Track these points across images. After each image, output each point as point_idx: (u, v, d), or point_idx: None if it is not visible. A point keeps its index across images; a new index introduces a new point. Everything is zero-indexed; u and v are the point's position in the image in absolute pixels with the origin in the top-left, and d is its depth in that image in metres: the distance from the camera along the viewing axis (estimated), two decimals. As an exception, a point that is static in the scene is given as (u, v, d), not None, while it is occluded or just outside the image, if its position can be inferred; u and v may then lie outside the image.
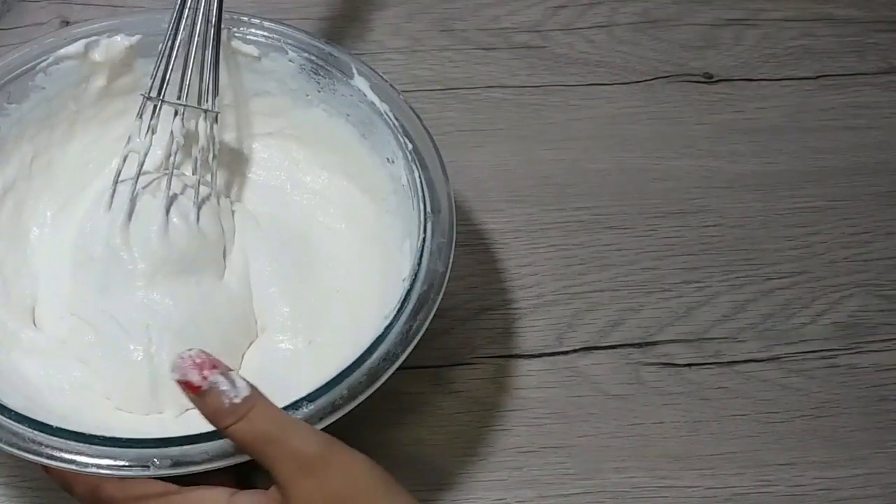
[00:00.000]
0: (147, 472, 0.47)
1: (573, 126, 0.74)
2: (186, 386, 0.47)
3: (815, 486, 0.59)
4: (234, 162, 0.67)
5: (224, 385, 0.47)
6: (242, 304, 0.61)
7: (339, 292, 0.61)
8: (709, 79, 0.77)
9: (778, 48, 0.79)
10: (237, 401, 0.47)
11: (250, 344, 0.60)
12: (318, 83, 0.63)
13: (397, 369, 0.63)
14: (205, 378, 0.47)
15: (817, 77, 0.77)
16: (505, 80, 0.76)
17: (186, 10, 0.61)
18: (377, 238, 0.61)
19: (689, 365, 0.61)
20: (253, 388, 0.47)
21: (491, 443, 0.60)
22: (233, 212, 0.64)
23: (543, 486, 0.59)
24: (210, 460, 0.48)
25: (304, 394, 0.50)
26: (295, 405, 0.49)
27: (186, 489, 0.48)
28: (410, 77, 0.76)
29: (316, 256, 0.63)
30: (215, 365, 0.47)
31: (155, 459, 0.48)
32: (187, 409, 0.56)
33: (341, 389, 0.50)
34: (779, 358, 0.64)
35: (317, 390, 0.50)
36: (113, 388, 0.57)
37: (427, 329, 0.55)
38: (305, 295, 0.61)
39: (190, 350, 0.48)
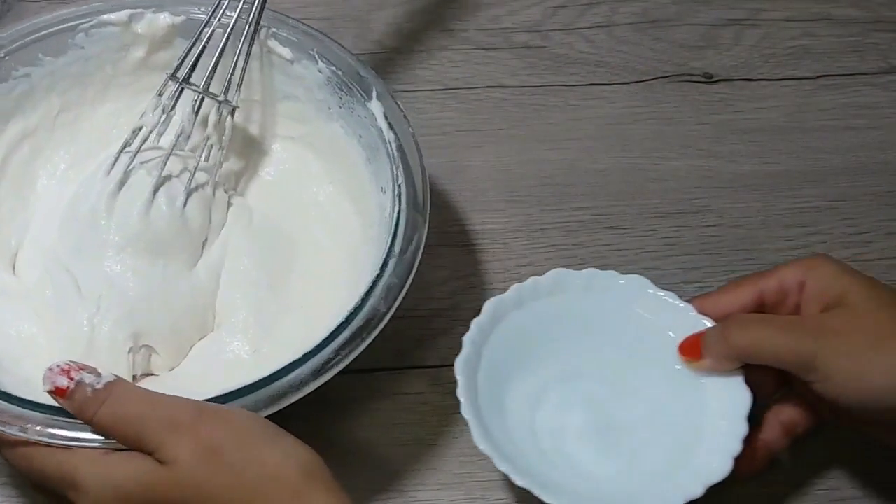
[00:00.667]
0: (15, 432, 0.48)
1: (573, 126, 0.74)
2: (57, 392, 0.47)
3: (814, 487, 0.59)
4: (252, 157, 0.67)
5: (88, 378, 0.47)
6: (204, 296, 0.61)
7: (302, 308, 0.61)
8: (709, 79, 0.77)
9: (778, 48, 0.79)
10: (99, 386, 0.47)
11: (202, 338, 0.61)
12: (340, 99, 0.63)
13: (394, 371, 0.63)
14: (72, 379, 0.47)
15: (817, 77, 0.77)
16: (505, 80, 0.76)
17: (228, 0, 0.62)
18: (354, 264, 0.61)
19: (689, 365, 0.61)
20: (117, 377, 0.47)
21: (491, 443, 0.60)
22: (230, 205, 0.64)
23: (543, 486, 0.59)
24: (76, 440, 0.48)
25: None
26: None
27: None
28: (410, 77, 0.76)
29: (294, 267, 0.63)
30: (83, 368, 0.48)
31: (31, 425, 0.48)
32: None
33: (238, 405, 0.50)
34: (779, 358, 0.64)
35: (212, 399, 0.50)
36: (54, 345, 0.58)
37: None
38: (269, 303, 0.61)
39: (58, 363, 0.48)
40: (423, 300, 0.64)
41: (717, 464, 0.53)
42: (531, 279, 0.58)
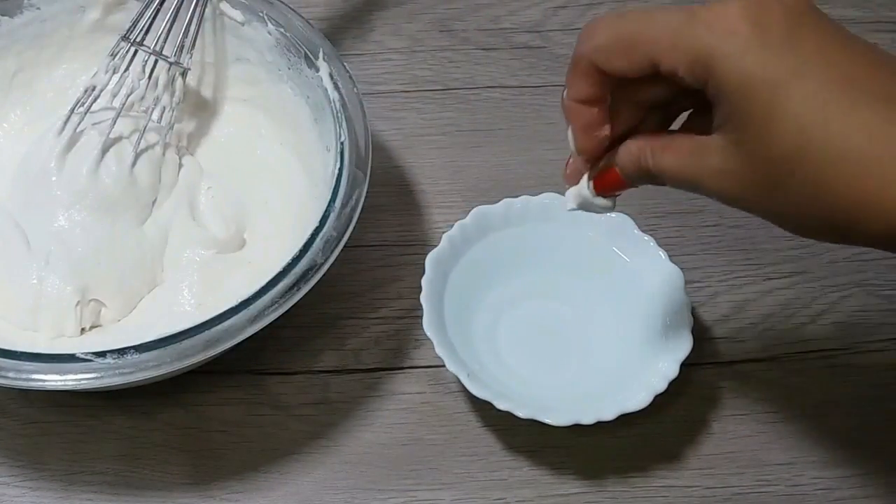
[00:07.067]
0: None
1: (573, 126, 0.74)
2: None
3: (814, 486, 0.59)
4: (203, 118, 0.69)
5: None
6: (151, 253, 0.62)
7: (249, 264, 0.63)
8: (709, 79, 0.77)
9: (778, 48, 0.79)
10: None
11: (150, 292, 0.62)
12: (289, 60, 0.65)
13: (394, 371, 0.63)
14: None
15: (817, 77, 0.77)
16: (505, 81, 0.76)
17: None
18: (301, 221, 0.61)
19: (689, 365, 0.61)
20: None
21: (491, 443, 0.60)
22: (181, 166, 0.66)
23: (543, 486, 0.59)
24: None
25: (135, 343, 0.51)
26: (121, 351, 0.51)
27: None
28: (410, 77, 0.76)
29: (243, 227, 0.65)
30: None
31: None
32: (61, 336, 0.59)
33: (170, 351, 0.51)
34: (779, 358, 0.64)
35: (145, 343, 0.51)
36: (2, 298, 0.59)
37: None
38: (216, 259, 0.63)
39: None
40: (423, 300, 0.64)
41: (678, 341, 0.59)
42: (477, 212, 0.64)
